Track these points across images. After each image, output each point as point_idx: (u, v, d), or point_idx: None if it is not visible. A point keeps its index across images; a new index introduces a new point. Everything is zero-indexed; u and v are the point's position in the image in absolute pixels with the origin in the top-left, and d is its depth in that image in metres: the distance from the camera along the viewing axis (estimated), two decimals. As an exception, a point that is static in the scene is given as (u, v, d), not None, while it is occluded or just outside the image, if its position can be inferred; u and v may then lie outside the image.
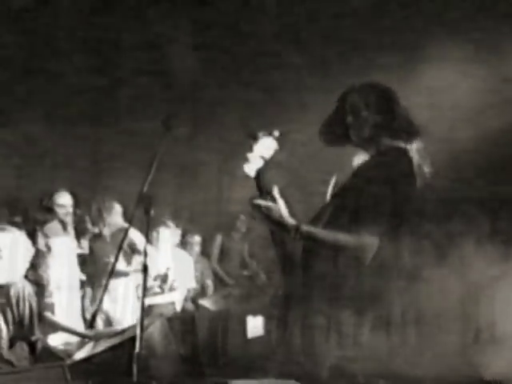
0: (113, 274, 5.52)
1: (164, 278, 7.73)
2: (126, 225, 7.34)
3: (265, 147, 3.98)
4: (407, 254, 4.17)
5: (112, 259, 6.94)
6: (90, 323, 5.40)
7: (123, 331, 6.09)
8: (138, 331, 4.83)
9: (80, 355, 5.71)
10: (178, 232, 8.07)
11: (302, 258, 4.18)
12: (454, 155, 7.00)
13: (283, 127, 4.13)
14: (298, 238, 3.99)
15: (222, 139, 8.68)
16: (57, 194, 6.90)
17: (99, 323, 6.97)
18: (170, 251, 7.84)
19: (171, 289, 7.77)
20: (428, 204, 4.34)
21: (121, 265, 7.19)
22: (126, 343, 5.43)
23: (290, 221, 3.99)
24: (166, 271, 7.73)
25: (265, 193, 4.02)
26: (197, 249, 8.73)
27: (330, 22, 7.79)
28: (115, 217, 7.37)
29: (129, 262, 7.37)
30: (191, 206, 8.75)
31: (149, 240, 6.17)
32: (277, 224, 4.00)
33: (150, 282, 7.75)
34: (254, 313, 7.10)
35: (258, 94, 8.19)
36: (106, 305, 7.23)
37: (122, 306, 7.33)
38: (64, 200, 6.90)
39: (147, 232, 5.16)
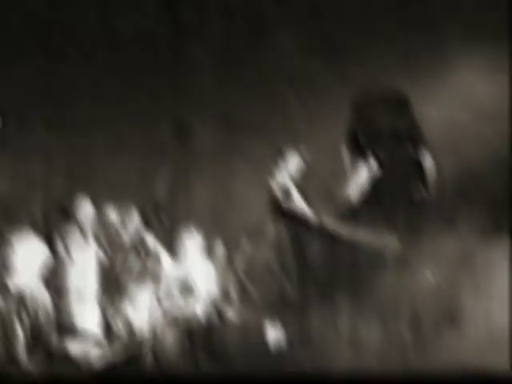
0: (122, 282, 5.46)
1: (187, 287, 7.66)
2: (144, 233, 7.30)
3: (290, 162, 4.05)
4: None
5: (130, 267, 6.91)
6: (106, 332, 5.37)
7: (141, 340, 6.05)
8: (149, 339, 4.80)
9: (98, 364, 5.68)
10: (202, 240, 7.98)
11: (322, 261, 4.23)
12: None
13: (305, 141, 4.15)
14: (322, 235, 4.05)
15: (248, 149, 8.59)
16: (77, 201, 6.84)
17: (121, 331, 6.90)
18: (194, 260, 7.76)
19: (193, 296, 7.69)
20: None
21: (140, 273, 7.13)
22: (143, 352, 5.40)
23: (314, 219, 4.04)
24: (189, 280, 7.66)
25: (286, 195, 4.05)
26: (220, 257, 8.63)
27: (350, 26, 7.70)
28: (134, 225, 7.31)
29: (147, 271, 7.31)
30: (216, 213, 8.66)
31: (168, 249, 6.13)
32: (300, 223, 4.04)
33: (173, 291, 7.68)
34: (276, 322, 7.04)
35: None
36: (129, 313, 7.16)
37: (144, 314, 7.24)
38: (85, 207, 6.85)
39: (166, 241, 5.13)
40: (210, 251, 8.36)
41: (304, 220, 4.02)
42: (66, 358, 6.05)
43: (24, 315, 5.72)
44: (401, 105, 4.22)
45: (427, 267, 5.86)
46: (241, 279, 8.89)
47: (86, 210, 6.83)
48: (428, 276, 5.97)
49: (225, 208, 8.58)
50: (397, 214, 4.02)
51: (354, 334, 6.26)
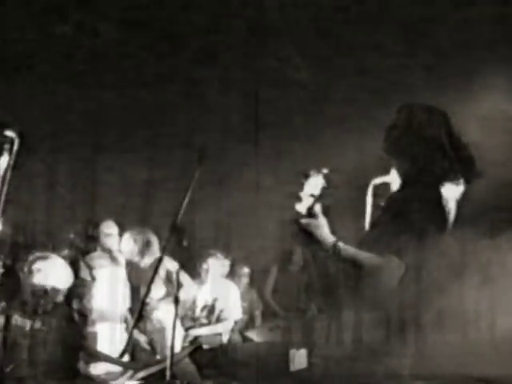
0: (144, 305, 5.54)
1: (211, 309, 7.75)
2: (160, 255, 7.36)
3: (314, 185, 4.03)
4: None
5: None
6: (122, 353, 5.45)
7: (161, 361, 6.13)
8: (168, 360, 4.87)
9: (120, 382, 5.78)
10: (227, 263, 8.09)
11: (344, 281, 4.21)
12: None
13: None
14: (335, 256, 4.02)
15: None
16: (103, 223, 6.97)
17: (144, 353, 6.99)
18: (218, 282, 7.86)
19: (218, 320, 7.78)
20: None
21: (158, 294, 7.21)
22: (162, 372, 5.46)
23: (329, 238, 4.01)
24: (213, 302, 7.75)
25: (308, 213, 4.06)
26: (245, 280, 8.73)
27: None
28: (152, 248, 7.39)
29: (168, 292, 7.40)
30: (240, 237, 8.76)
31: (183, 271, 6.22)
32: (316, 241, 4.02)
33: (197, 313, 7.79)
34: (298, 346, 7.08)
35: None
36: (149, 334, 7.24)
37: (166, 334, 7.32)
38: (111, 229, 6.97)
39: (181, 263, 5.21)
40: (234, 274, 8.48)
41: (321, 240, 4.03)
42: (90, 380, 6.17)
43: (50, 337, 5.84)
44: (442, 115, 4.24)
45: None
46: (266, 302, 8.98)
47: (111, 233, 6.95)
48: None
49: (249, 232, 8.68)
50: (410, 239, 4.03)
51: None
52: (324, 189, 4.06)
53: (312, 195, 4.03)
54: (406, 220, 4.04)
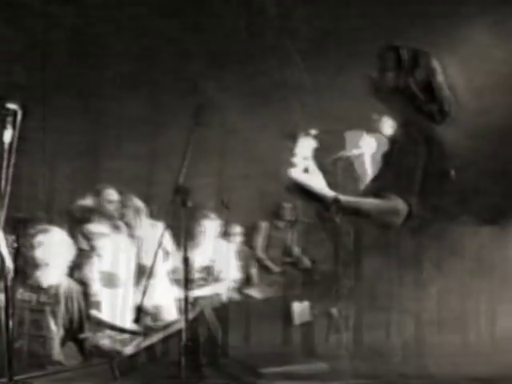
0: (152, 273, 5.55)
1: (209, 270, 7.76)
2: (154, 223, 7.35)
3: (305, 147, 4.02)
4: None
5: (146, 259, 6.98)
6: (135, 319, 5.44)
7: (169, 325, 6.15)
8: (183, 323, 4.87)
9: (128, 351, 5.78)
10: (220, 223, 8.07)
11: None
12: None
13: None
14: (338, 210, 4.02)
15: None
16: (105, 190, 6.94)
17: (149, 317, 6.99)
18: (213, 243, 7.85)
19: (216, 280, 7.79)
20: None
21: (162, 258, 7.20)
22: (173, 336, 5.48)
23: (329, 193, 4.01)
24: (211, 263, 7.76)
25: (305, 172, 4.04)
26: (239, 239, 8.73)
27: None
28: (143, 216, 7.37)
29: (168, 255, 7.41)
30: (231, 195, 8.73)
31: (188, 233, 6.20)
32: (316, 197, 4.02)
33: (196, 275, 7.80)
34: (300, 299, 7.13)
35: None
36: (151, 300, 7.24)
37: (166, 300, 7.33)
38: (112, 197, 6.94)
39: (185, 225, 5.19)
40: (227, 234, 8.47)
41: (320, 196, 4.01)
42: (97, 349, 6.16)
43: (57, 309, 5.84)
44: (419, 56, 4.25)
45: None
46: (258, 258, 9.00)
47: (113, 200, 6.92)
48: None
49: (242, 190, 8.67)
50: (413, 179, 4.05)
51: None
52: (315, 150, 4.06)
53: (304, 157, 4.03)
54: (405, 161, 4.06)
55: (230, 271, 7.92)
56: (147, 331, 6.12)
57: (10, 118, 3.97)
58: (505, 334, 6.25)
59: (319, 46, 8.05)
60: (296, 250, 8.89)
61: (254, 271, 8.76)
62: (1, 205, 3.91)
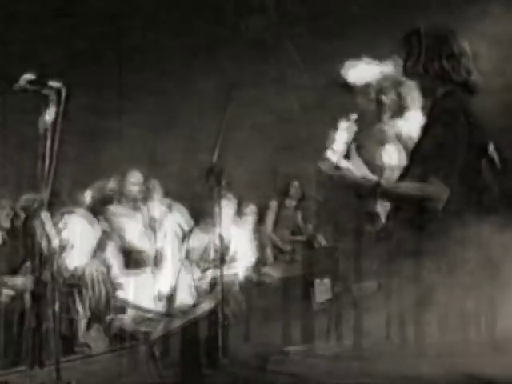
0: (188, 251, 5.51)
1: (225, 250, 7.72)
2: (168, 202, 7.33)
3: (345, 132, 3.98)
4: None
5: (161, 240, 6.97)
6: (169, 300, 5.43)
7: (196, 305, 6.12)
8: (220, 302, 4.84)
9: (158, 333, 5.75)
10: (235, 203, 8.04)
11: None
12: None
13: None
14: (379, 195, 3.99)
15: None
16: (130, 172, 6.90)
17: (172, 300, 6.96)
18: (230, 223, 7.81)
19: (233, 260, 7.76)
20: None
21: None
22: (205, 317, 5.45)
23: (371, 178, 3.97)
24: (227, 243, 7.72)
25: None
26: (253, 218, 8.69)
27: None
28: (158, 195, 7.35)
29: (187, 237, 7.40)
30: (245, 176, 8.69)
31: (220, 212, 6.17)
32: (355, 185, 3.98)
33: (212, 255, 7.76)
34: (321, 276, 7.09)
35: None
36: (168, 282, 7.21)
37: (183, 281, 7.30)
38: (137, 178, 6.91)
39: (219, 205, 5.17)
40: (241, 214, 8.44)
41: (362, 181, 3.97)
42: (123, 331, 6.13)
43: (84, 291, 5.80)
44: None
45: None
46: (269, 238, 8.98)
47: (137, 182, 6.89)
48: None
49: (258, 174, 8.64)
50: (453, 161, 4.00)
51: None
52: (356, 133, 4.02)
53: (345, 143, 3.99)
54: (444, 140, 4.02)
55: (246, 251, 7.90)
56: (174, 312, 6.08)
57: (53, 97, 3.89)
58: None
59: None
60: (309, 228, 8.88)
61: (268, 250, 8.74)
62: (46, 185, 3.84)
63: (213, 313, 5.15)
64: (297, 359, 6.03)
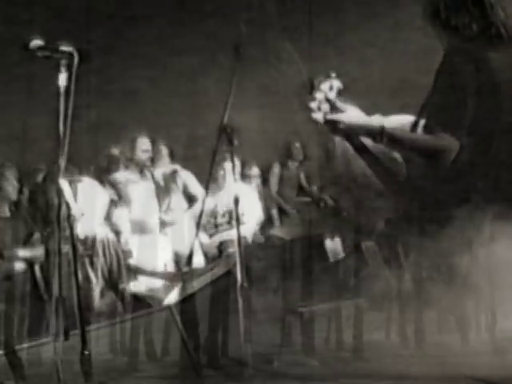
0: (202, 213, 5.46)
1: (232, 214, 7.66)
2: (174, 166, 7.28)
3: (327, 90, 3.89)
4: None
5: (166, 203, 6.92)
6: (188, 262, 5.38)
7: (211, 268, 6.08)
8: (238, 264, 4.80)
9: (173, 298, 5.71)
10: (239, 165, 7.97)
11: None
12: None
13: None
14: (383, 140, 3.91)
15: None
16: (139, 139, 6.82)
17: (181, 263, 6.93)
18: (235, 186, 7.74)
19: (240, 223, 7.69)
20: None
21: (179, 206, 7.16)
22: (222, 278, 5.42)
23: (375, 123, 3.90)
24: (233, 206, 7.64)
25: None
26: (257, 180, 8.64)
27: None
28: (164, 159, 7.29)
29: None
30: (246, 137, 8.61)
31: (233, 174, 6.13)
32: (359, 129, 3.91)
33: (219, 219, 7.72)
34: (330, 236, 7.06)
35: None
36: (173, 246, 7.17)
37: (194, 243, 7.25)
38: (146, 145, 6.84)
39: (233, 166, 5.12)
40: (246, 176, 8.39)
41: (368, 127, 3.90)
42: (136, 298, 6.10)
43: (95, 259, 5.75)
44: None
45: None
46: (273, 199, 8.94)
47: (147, 149, 6.83)
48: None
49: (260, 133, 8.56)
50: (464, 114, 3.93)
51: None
52: (340, 91, 3.94)
53: (327, 100, 3.91)
54: (458, 93, 3.95)
55: (253, 213, 7.85)
56: (186, 276, 6.03)
57: (64, 61, 3.81)
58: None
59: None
60: (314, 189, 8.83)
61: (274, 213, 8.70)
62: (61, 151, 3.77)
63: (227, 276, 5.10)
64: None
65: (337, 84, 3.87)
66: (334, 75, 3.94)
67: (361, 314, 6.36)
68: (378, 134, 3.87)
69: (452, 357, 5.87)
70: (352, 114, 3.89)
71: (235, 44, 4.91)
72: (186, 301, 5.45)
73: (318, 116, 3.86)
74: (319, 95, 3.86)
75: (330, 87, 3.86)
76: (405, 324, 6.50)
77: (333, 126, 3.90)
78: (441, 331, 6.38)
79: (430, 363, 5.70)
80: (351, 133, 3.94)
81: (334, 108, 3.86)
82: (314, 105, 3.86)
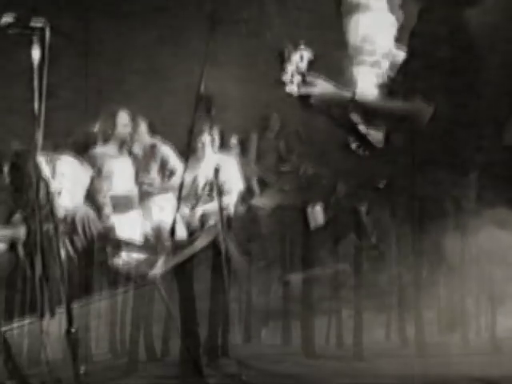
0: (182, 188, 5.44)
1: (212, 185, 7.62)
2: (153, 140, 7.23)
3: (298, 61, 3.86)
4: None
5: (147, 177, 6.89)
6: (171, 234, 5.36)
7: (191, 241, 6.06)
8: (221, 235, 4.79)
9: (157, 271, 5.70)
10: (217, 136, 7.91)
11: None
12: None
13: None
14: (354, 109, 3.90)
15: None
16: (119, 113, 6.78)
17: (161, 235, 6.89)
18: (215, 156, 7.69)
19: (221, 194, 7.66)
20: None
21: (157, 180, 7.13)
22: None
23: (344, 92, 3.89)
24: (214, 177, 7.60)
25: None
26: (236, 150, 8.59)
27: None
28: (142, 133, 7.24)
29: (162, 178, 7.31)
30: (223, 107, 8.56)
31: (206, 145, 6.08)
32: (330, 101, 3.89)
33: (199, 191, 7.67)
34: (312, 203, 7.06)
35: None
36: (154, 220, 7.12)
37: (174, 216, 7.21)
38: (126, 120, 6.79)
39: (212, 135, 5.08)
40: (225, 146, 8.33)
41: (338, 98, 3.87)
42: (121, 273, 6.08)
43: (75, 237, 5.72)
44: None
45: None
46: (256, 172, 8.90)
47: (126, 123, 6.78)
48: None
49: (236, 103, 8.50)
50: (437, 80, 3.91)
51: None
52: (311, 62, 3.91)
53: (299, 72, 3.88)
54: (431, 57, 3.94)
55: (234, 184, 7.80)
56: (169, 249, 6.02)
57: (36, 37, 3.76)
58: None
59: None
60: (293, 158, 8.79)
61: (254, 183, 8.66)
62: (37, 125, 3.72)
63: (212, 247, 5.10)
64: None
65: (307, 55, 3.84)
66: (303, 46, 3.91)
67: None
68: (350, 103, 3.86)
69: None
70: (322, 87, 3.86)
71: (209, 10, 4.86)
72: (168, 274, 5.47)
73: (292, 89, 3.84)
74: (290, 67, 3.83)
75: (300, 58, 3.83)
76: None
77: (304, 101, 3.88)
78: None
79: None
80: (322, 105, 3.91)
81: (304, 81, 3.84)
82: (286, 77, 3.84)
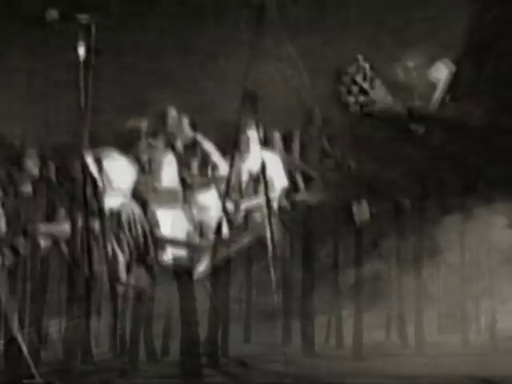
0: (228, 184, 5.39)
1: (256, 180, 7.58)
2: (195, 136, 7.21)
3: (354, 73, 3.86)
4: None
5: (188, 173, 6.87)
6: (217, 231, 5.34)
7: (239, 237, 6.03)
8: (268, 232, 4.75)
9: (202, 268, 5.68)
10: (262, 132, 7.87)
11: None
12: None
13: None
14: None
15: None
16: (169, 110, 6.81)
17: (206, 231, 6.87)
18: (259, 152, 7.65)
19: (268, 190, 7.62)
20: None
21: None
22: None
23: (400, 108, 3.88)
24: (258, 172, 7.57)
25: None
26: (279, 146, 8.53)
27: None
28: (185, 128, 7.22)
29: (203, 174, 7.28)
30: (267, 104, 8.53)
31: (261, 143, 6.03)
32: (388, 112, 3.90)
33: (243, 187, 7.64)
34: (357, 199, 7.01)
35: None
36: (198, 216, 7.11)
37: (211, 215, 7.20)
38: (174, 116, 6.84)
39: (259, 134, 5.05)
40: (268, 142, 8.28)
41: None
42: (165, 269, 6.07)
43: (121, 234, 5.71)
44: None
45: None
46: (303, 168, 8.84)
47: (176, 118, 6.78)
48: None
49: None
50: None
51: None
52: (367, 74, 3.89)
53: (355, 82, 3.89)
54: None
55: (278, 179, 7.75)
56: (215, 246, 5.99)
57: (82, 33, 3.74)
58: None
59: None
60: (337, 153, 8.72)
61: (298, 178, 8.60)
62: (83, 121, 3.69)
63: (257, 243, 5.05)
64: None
65: (364, 67, 3.86)
66: (361, 59, 3.94)
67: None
68: (407, 116, 3.89)
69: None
70: (379, 97, 3.89)
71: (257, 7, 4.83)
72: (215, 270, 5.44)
73: (349, 99, 3.89)
74: (346, 79, 3.88)
75: (356, 70, 3.86)
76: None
77: (362, 111, 3.90)
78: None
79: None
80: (381, 115, 3.95)
81: (362, 90, 3.86)
82: (343, 89, 3.88)
